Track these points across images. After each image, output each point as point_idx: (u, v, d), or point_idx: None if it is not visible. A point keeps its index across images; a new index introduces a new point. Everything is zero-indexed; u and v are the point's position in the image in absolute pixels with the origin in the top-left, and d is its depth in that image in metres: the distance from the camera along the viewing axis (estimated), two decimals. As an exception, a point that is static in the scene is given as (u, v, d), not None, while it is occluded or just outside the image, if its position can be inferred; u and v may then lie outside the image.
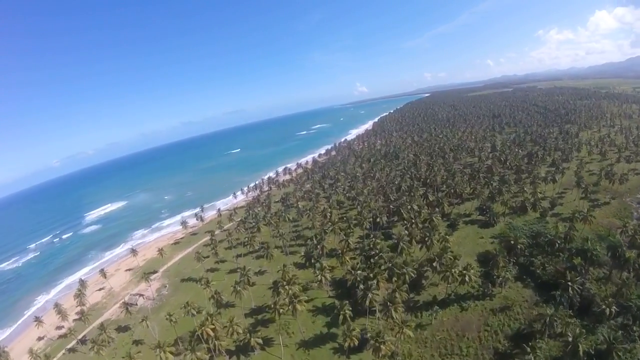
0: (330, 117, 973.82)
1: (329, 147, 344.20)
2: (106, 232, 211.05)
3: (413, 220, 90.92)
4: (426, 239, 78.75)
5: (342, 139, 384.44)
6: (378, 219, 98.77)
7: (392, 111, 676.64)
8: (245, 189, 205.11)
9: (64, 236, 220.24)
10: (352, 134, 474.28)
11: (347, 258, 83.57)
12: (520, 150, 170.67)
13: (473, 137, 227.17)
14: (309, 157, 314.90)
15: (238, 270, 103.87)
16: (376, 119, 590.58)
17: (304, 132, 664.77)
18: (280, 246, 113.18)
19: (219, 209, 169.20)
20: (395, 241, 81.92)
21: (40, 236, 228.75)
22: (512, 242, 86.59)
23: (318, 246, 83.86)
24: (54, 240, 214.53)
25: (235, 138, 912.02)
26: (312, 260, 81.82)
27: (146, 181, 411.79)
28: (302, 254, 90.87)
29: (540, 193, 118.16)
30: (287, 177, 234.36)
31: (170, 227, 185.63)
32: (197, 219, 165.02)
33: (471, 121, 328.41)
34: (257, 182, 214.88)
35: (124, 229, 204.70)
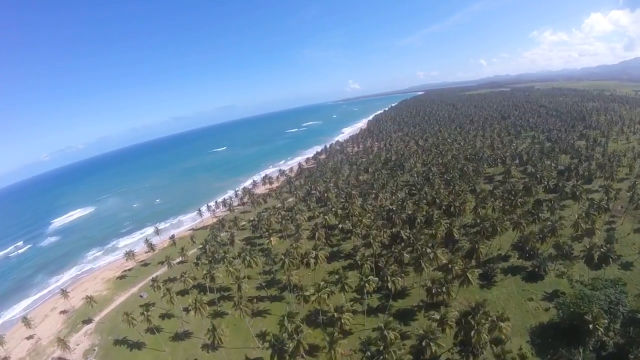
0: (322, 114, 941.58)
1: (319, 148, 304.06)
2: (63, 248, 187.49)
3: (443, 288, 58.39)
4: (472, 332, 47.17)
5: (334, 140, 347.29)
6: (389, 282, 64.30)
7: (387, 109, 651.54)
8: (213, 204, 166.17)
9: (21, 250, 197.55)
10: (345, 133, 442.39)
11: (340, 351, 52.14)
12: (552, 163, 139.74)
13: (489, 143, 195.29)
14: (296, 160, 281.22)
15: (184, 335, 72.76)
16: (370, 117, 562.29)
17: (294, 130, 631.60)
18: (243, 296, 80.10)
19: (172, 236, 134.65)
20: (416, 334, 49.85)
21: (3, 246, 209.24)
22: (590, 322, 56.29)
23: (291, 341, 50.58)
24: (10, 255, 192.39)
25: (224, 134, 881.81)
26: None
27: (122, 182, 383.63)
28: (270, 346, 56.42)
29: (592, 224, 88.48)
30: (267, 186, 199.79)
31: (125, 250, 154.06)
32: (147, 247, 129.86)
33: (479, 122, 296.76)
34: (226, 197, 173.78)
35: (80, 246, 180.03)
